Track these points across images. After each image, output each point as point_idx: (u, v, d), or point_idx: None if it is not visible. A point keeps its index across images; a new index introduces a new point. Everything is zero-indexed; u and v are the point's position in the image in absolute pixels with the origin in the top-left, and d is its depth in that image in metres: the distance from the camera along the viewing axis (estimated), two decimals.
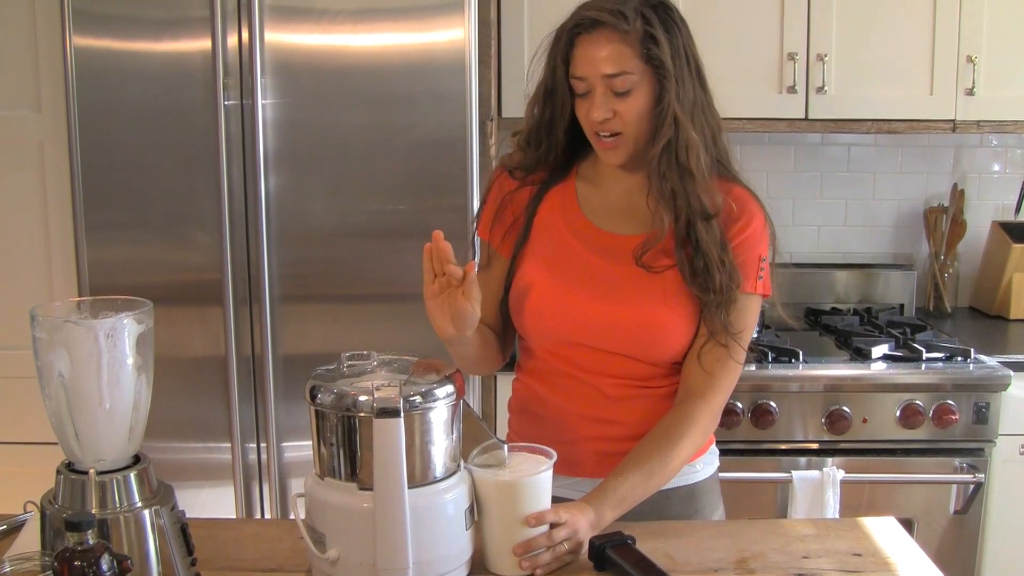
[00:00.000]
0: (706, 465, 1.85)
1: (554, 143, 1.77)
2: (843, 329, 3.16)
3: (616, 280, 1.73)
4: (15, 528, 1.59)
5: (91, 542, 1.24)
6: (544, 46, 1.73)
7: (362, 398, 1.38)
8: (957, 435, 2.80)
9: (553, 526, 1.51)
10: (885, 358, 2.89)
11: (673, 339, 1.72)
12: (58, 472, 1.39)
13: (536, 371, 1.83)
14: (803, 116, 3.07)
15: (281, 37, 2.55)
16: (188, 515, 1.45)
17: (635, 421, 1.74)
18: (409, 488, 1.38)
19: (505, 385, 2.27)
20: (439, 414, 1.42)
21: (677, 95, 1.64)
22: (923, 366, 2.84)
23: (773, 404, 2.78)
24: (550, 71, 1.72)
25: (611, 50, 1.63)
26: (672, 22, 1.66)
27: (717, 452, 1.89)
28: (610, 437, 1.76)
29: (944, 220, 3.46)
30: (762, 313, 3.06)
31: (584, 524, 1.54)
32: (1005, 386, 2.78)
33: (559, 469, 1.55)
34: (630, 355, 1.73)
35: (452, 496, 1.43)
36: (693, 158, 1.65)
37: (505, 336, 1.87)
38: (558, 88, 1.71)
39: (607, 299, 1.72)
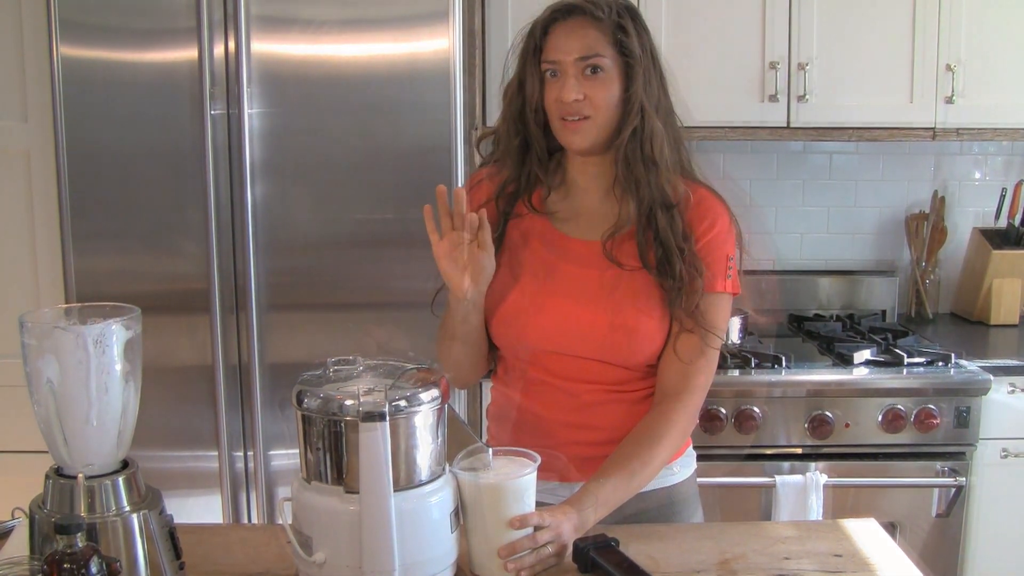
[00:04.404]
0: (683, 468, 1.86)
1: (530, 135, 1.77)
2: (826, 335, 3.19)
3: (587, 286, 1.75)
4: (4, 534, 1.59)
5: (80, 546, 1.25)
6: (519, 39, 1.76)
7: (348, 402, 1.39)
8: (939, 439, 2.82)
9: (537, 529, 1.52)
10: (867, 363, 2.91)
11: (645, 342, 1.73)
12: (47, 477, 1.40)
13: (512, 379, 1.84)
14: (785, 124, 3.09)
15: (267, 47, 2.57)
16: (176, 522, 1.47)
17: (612, 426, 1.75)
18: (395, 491, 1.39)
19: (489, 391, 2.28)
20: (424, 418, 1.43)
21: (644, 87, 1.69)
22: (905, 371, 2.86)
23: (756, 409, 2.80)
24: (522, 62, 1.75)
25: (585, 34, 1.68)
26: (641, 25, 1.73)
27: (694, 455, 1.91)
28: (588, 442, 1.77)
29: (925, 227, 3.49)
30: (745, 318, 3.09)
31: (568, 527, 1.54)
32: (986, 390, 2.81)
33: (538, 474, 1.55)
34: (604, 360, 1.75)
35: (437, 499, 1.45)
36: (657, 148, 1.69)
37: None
38: (527, 79, 1.74)
39: (578, 305, 1.74)
